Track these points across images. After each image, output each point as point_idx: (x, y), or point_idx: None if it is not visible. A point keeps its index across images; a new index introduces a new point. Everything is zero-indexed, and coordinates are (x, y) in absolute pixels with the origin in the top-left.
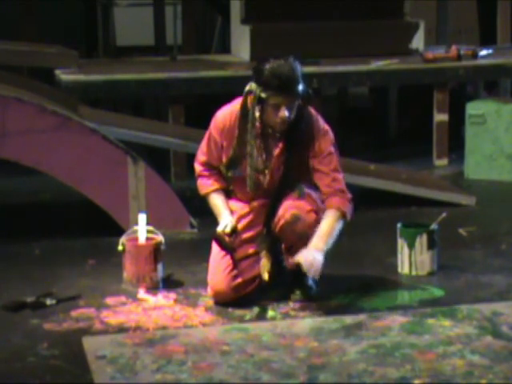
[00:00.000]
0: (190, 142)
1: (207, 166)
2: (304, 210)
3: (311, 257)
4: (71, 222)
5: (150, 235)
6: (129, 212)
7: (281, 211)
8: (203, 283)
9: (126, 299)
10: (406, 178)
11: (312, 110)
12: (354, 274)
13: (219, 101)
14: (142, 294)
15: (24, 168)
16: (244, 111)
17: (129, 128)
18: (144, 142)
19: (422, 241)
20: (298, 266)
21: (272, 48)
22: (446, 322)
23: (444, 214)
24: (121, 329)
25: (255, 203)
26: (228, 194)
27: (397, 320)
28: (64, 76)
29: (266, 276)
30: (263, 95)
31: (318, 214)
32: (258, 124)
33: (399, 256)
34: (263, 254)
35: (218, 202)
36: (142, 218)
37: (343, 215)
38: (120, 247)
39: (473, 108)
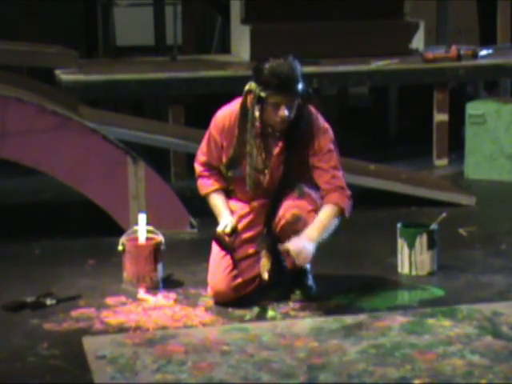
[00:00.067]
0: (190, 142)
1: (207, 166)
2: (305, 209)
3: (301, 244)
4: (71, 222)
5: (150, 235)
6: (129, 212)
7: (281, 211)
8: (203, 283)
9: (126, 299)
10: (406, 178)
11: (312, 109)
12: (354, 273)
13: (219, 101)
14: (141, 294)
15: (24, 168)
16: (244, 111)
17: (129, 128)
18: (144, 142)
19: (422, 241)
20: (287, 253)
21: (272, 48)
22: (446, 322)
23: (444, 214)
24: (121, 329)
25: (255, 203)
26: (228, 194)
27: (397, 320)
28: (64, 76)
29: (265, 275)
30: (263, 94)
31: (318, 213)
32: (257, 123)
33: (399, 256)
34: (263, 253)
35: (218, 202)
36: (142, 218)
37: (341, 211)
38: (120, 247)
39: (473, 108)
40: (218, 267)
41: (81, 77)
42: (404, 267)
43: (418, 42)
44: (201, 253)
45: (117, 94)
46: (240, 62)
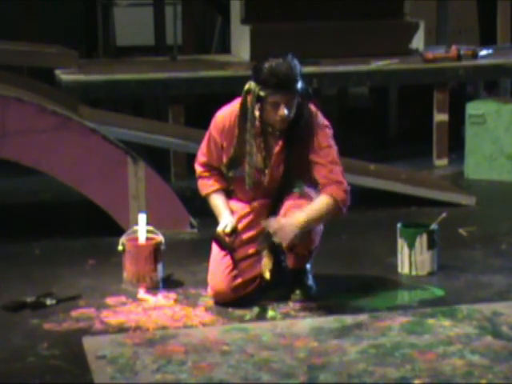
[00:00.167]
0: (190, 141)
1: (207, 166)
2: None
3: (283, 223)
4: (71, 222)
5: (150, 235)
6: (129, 212)
7: (282, 211)
8: (203, 283)
9: (126, 299)
10: (405, 178)
11: (312, 107)
12: (354, 273)
13: (219, 101)
14: (141, 294)
15: (24, 168)
16: (243, 110)
17: (129, 128)
18: (144, 142)
19: (421, 241)
20: (268, 230)
21: (272, 48)
22: (446, 322)
23: (444, 214)
24: (121, 329)
25: (256, 203)
26: (229, 195)
27: (397, 320)
28: (64, 76)
29: (267, 275)
30: (262, 94)
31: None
32: (257, 123)
33: (399, 256)
34: (265, 253)
35: (218, 202)
36: (142, 218)
37: (336, 203)
38: (120, 247)
39: (473, 108)
40: (218, 267)
41: (81, 77)
42: (404, 267)
43: (418, 42)
44: (201, 253)
45: (117, 94)
46: (240, 62)
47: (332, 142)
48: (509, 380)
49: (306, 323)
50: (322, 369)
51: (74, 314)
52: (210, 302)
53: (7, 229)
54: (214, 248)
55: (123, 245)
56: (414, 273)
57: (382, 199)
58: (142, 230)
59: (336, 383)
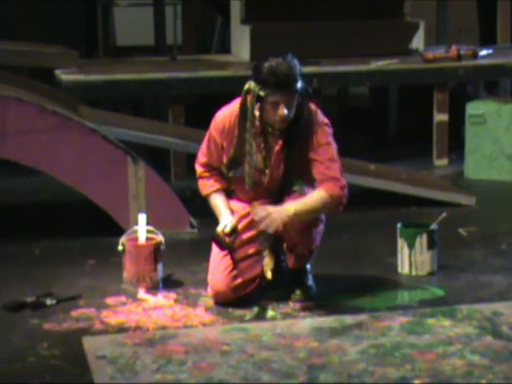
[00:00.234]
0: (190, 141)
1: (208, 166)
2: None
3: (270, 209)
4: (71, 222)
5: (150, 235)
6: (129, 212)
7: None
8: (203, 283)
9: (126, 299)
10: (406, 178)
11: (312, 105)
12: (354, 273)
13: (219, 101)
14: (142, 294)
15: (24, 168)
16: (243, 110)
17: (129, 128)
18: (144, 142)
19: (421, 241)
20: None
21: (272, 48)
22: (446, 322)
23: (444, 214)
24: (121, 329)
25: (256, 203)
26: (229, 195)
27: (397, 320)
28: (64, 76)
29: (269, 274)
30: (262, 93)
31: None
32: (257, 122)
33: (399, 256)
34: (266, 252)
35: (218, 202)
36: (142, 218)
37: (331, 199)
38: (120, 247)
39: (473, 108)
40: (218, 267)
41: (81, 77)
42: (404, 267)
43: (418, 42)
44: (201, 253)
45: (117, 94)
46: (240, 62)
47: (331, 140)
48: (509, 380)
49: (306, 323)
50: (321, 369)
51: (73, 313)
52: (210, 302)
53: (7, 229)
54: (214, 248)
55: (123, 245)
56: (414, 273)
57: (382, 199)
58: (142, 229)
59: (336, 383)
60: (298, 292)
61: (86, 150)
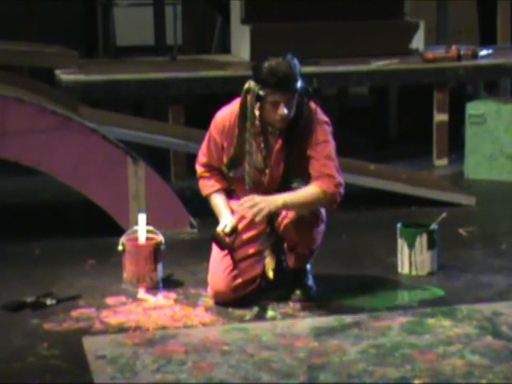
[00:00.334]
0: (190, 141)
1: (208, 167)
2: None
3: (258, 199)
4: (71, 222)
5: (150, 235)
6: (129, 212)
7: (284, 210)
8: (203, 283)
9: (126, 299)
10: (405, 178)
11: (312, 104)
12: (354, 273)
13: (219, 101)
14: (142, 294)
15: (24, 168)
16: (243, 109)
17: (129, 128)
18: (144, 142)
19: (421, 241)
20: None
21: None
22: (446, 322)
23: (444, 214)
24: (121, 329)
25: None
26: (230, 195)
27: (397, 320)
28: (64, 76)
29: (271, 274)
30: (261, 93)
31: (321, 213)
32: (257, 122)
33: (399, 256)
34: (267, 252)
35: (218, 202)
36: (142, 218)
37: (324, 195)
38: (120, 247)
39: (473, 108)
40: (218, 267)
41: (81, 77)
42: (404, 267)
43: (418, 42)
44: (201, 253)
45: (117, 94)
46: (240, 62)
47: (329, 138)
48: (509, 380)
49: (306, 323)
50: (321, 369)
51: (73, 313)
52: (210, 302)
53: (7, 229)
54: (214, 248)
55: (123, 245)
56: (414, 273)
57: (382, 199)
58: (142, 230)
59: (336, 383)
60: (298, 292)
61: (86, 150)
